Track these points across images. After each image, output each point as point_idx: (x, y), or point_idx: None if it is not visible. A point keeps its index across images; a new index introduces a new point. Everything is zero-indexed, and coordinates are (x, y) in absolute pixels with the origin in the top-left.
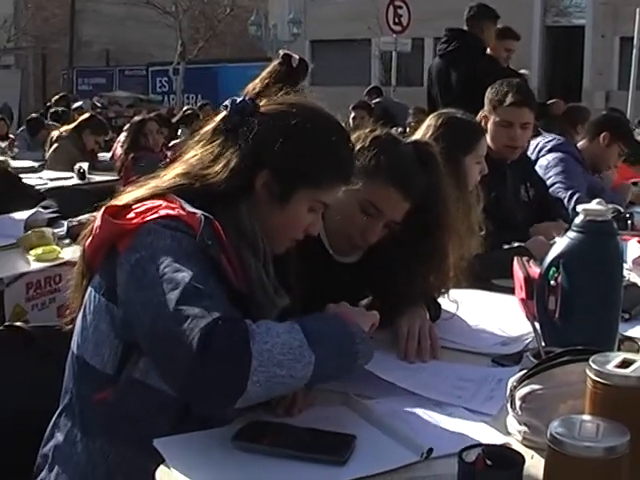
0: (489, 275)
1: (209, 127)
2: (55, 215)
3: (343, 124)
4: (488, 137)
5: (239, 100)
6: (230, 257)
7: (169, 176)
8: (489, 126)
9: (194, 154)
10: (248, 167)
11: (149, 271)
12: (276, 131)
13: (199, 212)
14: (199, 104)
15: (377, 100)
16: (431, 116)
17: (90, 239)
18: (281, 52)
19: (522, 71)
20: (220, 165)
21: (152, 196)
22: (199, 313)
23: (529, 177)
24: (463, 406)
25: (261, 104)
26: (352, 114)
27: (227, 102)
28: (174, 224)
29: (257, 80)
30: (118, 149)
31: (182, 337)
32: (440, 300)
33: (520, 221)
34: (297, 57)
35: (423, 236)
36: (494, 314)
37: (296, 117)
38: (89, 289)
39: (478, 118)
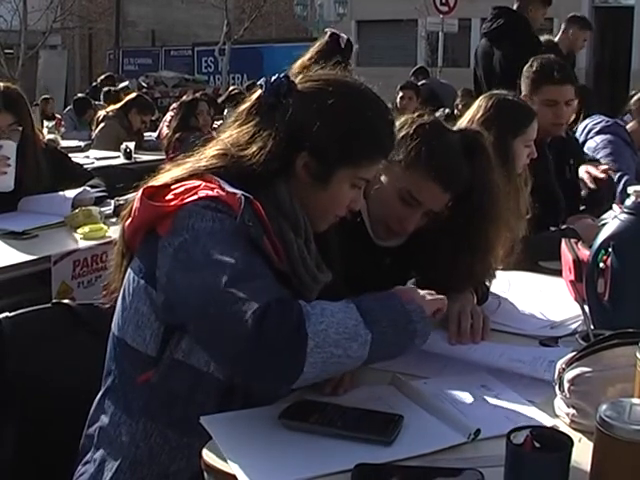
0: (536, 257)
1: (244, 106)
2: (102, 194)
3: (389, 104)
4: None
5: (274, 79)
6: (271, 237)
7: (206, 156)
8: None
9: (230, 134)
10: (286, 150)
11: (194, 254)
12: (312, 112)
13: (239, 192)
14: (245, 84)
15: (423, 81)
16: (481, 97)
17: (130, 220)
18: (328, 31)
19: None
20: (256, 147)
21: (190, 176)
22: (251, 294)
23: (575, 156)
24: (523, 372)
25: (297, 80)
26: (400, 94)
27: (262, 81)
28: (214, 205)
29: (303, 58)
30: (164, 129)
31: (235, 319)
32: (487, 283)
33: (564, 200)
34: (345, 37)
35: (469, 226)
36: (542, 297)
37: (331, 95)
38: (128, 270)
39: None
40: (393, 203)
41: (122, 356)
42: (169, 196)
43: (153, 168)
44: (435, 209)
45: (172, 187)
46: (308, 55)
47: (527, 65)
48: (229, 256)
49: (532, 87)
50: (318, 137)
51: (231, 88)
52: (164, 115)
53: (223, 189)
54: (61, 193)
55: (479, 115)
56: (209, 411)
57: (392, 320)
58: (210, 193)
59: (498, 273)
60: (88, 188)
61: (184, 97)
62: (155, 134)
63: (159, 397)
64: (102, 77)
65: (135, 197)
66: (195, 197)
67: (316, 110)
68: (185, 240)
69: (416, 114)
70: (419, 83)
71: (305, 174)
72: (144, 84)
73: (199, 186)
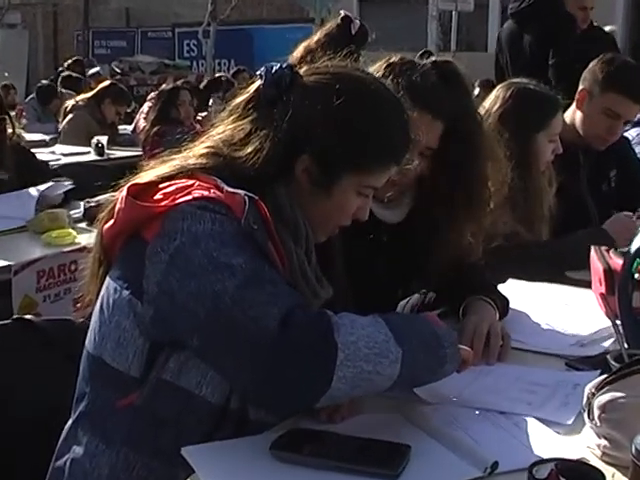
0: (562, 265)
1: (241, 99)
2: (69, 188)
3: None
4: (578, 116)
5: (275, 68)
6: (276, 243)
7: (194, 154)
8: (586, 104)
9: (223, 130)
10: (285, 152)
11: (194, 258)
12: (316, 111)
13: (241, 192)
14: (232, 70)
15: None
16: (500, 86)
17: (111, 223)
18: (342, 12)
19: (608, 28)
20: (252, 148)
21: (178, 174)
22: (269, 298)
23: (621, 166)
24: (533, 415)
25: (302, 71)
26: None
27: (262, 70)
28: (211, 206)
29: (306, 43)
30: (141, 121)
31: (254, 325)
32: (508, 294)
33: (593, 213)
34: (358, 22)
35: (462, 161)
36: (569, 311)
37: (340, 93)
38: (107, 280)
39: (578, 91)
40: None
41: (99, 377)
42: (158, 195)
43: (129, 166)
44: (431, 144)
45: (160, 186)
46: (316, 37)
47: (604, 58)
48: (236, 259)
49: (601, 85)
50: (321, 140)
51: (217, 75)
52: (141, 106)
53: (221, 189)
54: (23, 191)
55: (496, 107)
56: (199, 439)
57: (423, 341)
58: (206, 193)
59: (519, 284)
60: (55, 183)
61: (163, 85)
62: (131, 127)
63: (143, 423)
64: (69, 62)
65: (116, 197)
66: (189, 197)
67: (321, 109)
68: (182, 244)
69: (383, 60)
70: None
71: (306, 179)
72: (117, 70)
73: (192, 185)
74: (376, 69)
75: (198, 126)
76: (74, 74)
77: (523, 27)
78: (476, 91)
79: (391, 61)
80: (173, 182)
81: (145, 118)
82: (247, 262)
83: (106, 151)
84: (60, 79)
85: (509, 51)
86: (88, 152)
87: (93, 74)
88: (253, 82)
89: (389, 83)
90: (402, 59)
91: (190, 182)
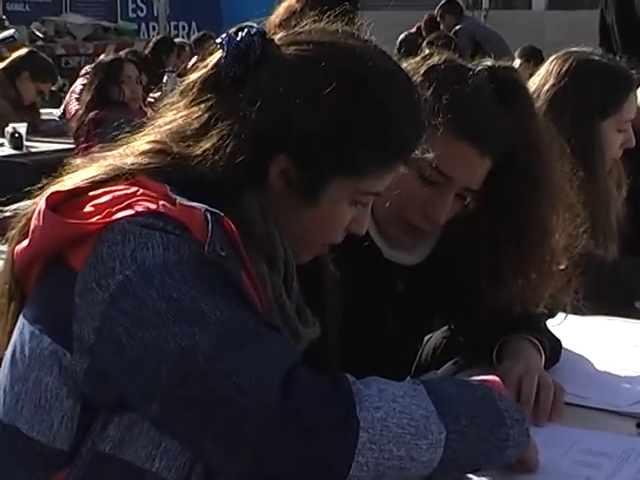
0: (630, 294)
1: (195, 76)
2: None
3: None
4: None
5: (242, 35)
6: (249, 272)
7: (133, 151)
8: None
9: (172, 119)
10: (254, 150)
11: (146, 300)
12: (296, 94)
13: (200, 206)
14: (194, 37)
15: (459, 27)
16: (554, 57)
17: (24, 244)
18: None
19: None
20: (210, 143)
21: (113, 178)
22: (257, 360)
23: None
24: (615, 474)
25: (278, 39)
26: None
27: (223, 38)
28: (160, 224)
29: (287, 2)
30: (73, 103)
31: (240, 399)
32: (560, 333)
33: None
34: None
35: (513, 206)
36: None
37: (327, 69)
38: (21, 320)
39: None
40: (412, 188)
41: (11, 452)
42: (88, 208)
43: (56, 162)
44: (472, 185)
45: (91, 194)
46: None
47: None
48: (206, 303)
49: None
50: (302, 133)
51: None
52: (72, 83)
53: (172, 200)
54: None
55: (549, 85)
56: None
57: (477, 417)
58: (153, 206)
59: (574, 319)
60: None
61: (102, 56)
62: (59, 111)
63: None
64: None
65: (33, 208)
66: (130, 211)
67: (302, 93)
68: (127, 279)
69: (420, 56)
70: (453, 30)
71: (282, 185)
72: (39, 34)
73: (134, 194)
74: (410, 70)
75: (150, 111)
76: None
77: None
78: (516, 62)
79: (433, 63)
80: (108, 189)
81: (78, 99)
82: (221, 306)
83: (25, 143)
84: None
85: (616, 7)
86: (1, 144)
87: (5, 39)
88: (213, 54)
89: (427, 95)
90: (448, 62)
91: (131, 190)
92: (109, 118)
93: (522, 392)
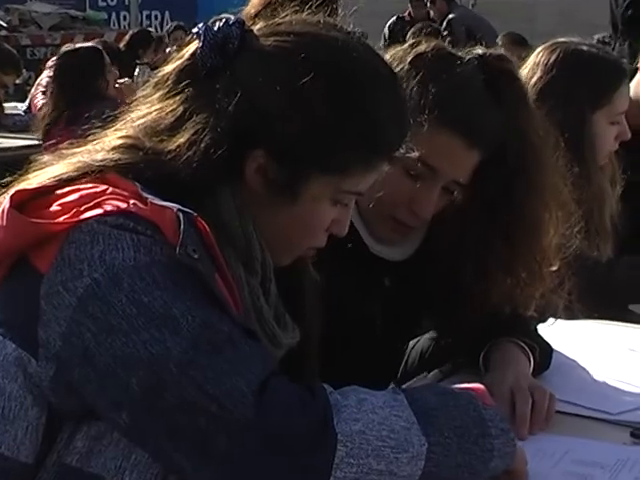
0: (624, 297)
1: (170, 68)
2: None
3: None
4: None
5: (219, 25)
6: (225, 275)
7: (104, 147)
8: None
9: (146, 112)
10: (231, 145)
11: (115, 304)
12: (274, 87)
13: (172, 205)
14: (168, 27)
15: (452, 16)
16: (541, 47)
17: None
18: None
19: None
20: (185, 138)
21: (82, 175)
22: (231, 367)
23: None
24: None
25: (257, 30)
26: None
27: (200, 27)
28: (132, 224)
29: None
30: (39, 97)
31: (213, 409)
32: (550, 337)
33: None
34: None
35: (503, 201)
36: (635, 359)
37: (307, 62)
38: None
39: None
40: (397, 182)
41: None
42: (54, 207)
43: (22, 160)
44: (460, 178)
45: (58, 193)
46: None
47: None
48: (177, 307)
49: None
50: (281, 128)
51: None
52: (37, 76)
53: (144, 199)
54: None
55: (536, 77)
56: None
57: (460, 428)
58: (123, 205)
59: (565, 323)
60: None
61: (68, 46)
62: (24, 105)
63: None
64: None
65: None
66: (99, 210)
67: (281, 86)
68: (95, 282)
69: (408, 43)
70: (447, 20)
71: (260, 183)
72: (3, 24)
73: (103, 193)
74: (396, 57)
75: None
76: None
77: None
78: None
79: (420, 51)
80: (76, 187)
81: (44, 93)
82: (193, 311)
83: None
84: None
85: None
86: None
87: None
88: (189, 44)
89: (414, 85)
90: (436, 49)
91: (100, 188)
92: (76, 112)
93: (517, 411)
